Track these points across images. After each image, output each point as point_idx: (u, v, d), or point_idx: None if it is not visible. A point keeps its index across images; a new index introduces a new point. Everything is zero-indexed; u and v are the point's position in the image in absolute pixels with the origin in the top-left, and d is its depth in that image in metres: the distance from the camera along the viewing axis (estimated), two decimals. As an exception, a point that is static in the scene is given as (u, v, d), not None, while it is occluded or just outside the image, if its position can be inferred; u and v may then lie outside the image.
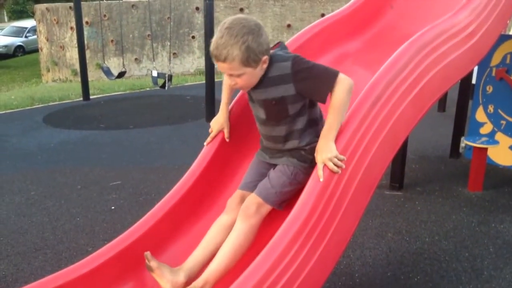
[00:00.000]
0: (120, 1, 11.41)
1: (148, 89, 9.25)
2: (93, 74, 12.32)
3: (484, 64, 4.71)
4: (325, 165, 1.91)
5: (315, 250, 1.90)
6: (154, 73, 7.66)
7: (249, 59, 1.87)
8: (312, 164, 2.03)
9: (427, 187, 4.27)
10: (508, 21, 8.42)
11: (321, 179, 1.89)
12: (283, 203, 2.07)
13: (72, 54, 13.18)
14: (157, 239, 2.21)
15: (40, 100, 8.42)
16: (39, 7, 14.55)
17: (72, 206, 3.97)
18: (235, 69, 1.90)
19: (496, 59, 4.67)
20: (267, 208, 2.01)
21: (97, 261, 2.08)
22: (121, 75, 8.33)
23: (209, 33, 6.34)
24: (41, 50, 14.95)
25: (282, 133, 2.05)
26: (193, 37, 12.89)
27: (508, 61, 4.61)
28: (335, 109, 1.92)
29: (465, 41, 2.51)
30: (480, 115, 4.80)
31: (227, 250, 1.94)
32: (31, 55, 21.75)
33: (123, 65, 8.85)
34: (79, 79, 9.25)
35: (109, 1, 14.40)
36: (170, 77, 7.45)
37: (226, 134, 2.33)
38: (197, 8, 12.48)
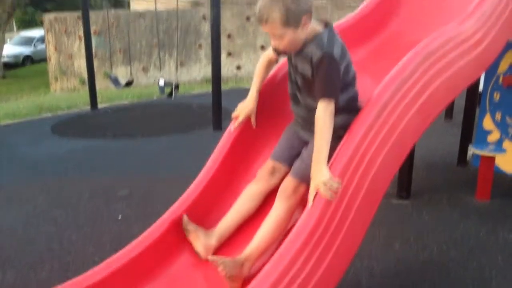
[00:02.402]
0: (128, 10, 11.50)
1: (155, 97, 9.28)
2: (101, 83, 12.39)
3: (491, 71, 4.69)
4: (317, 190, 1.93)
5: (322, 261, 1.90)
6: (161, 82, 7.71)
7: (289, 20, 1.97)
8: (341, 138, 2.08)
9: (434, 195, 4.24)
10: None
11: (309, 205, 1.92)
12: None
13: (80, 63, 13.29)
14: (164, 249, 2.21)
15: (48, 109, 8.47)
16: (48, 17, 14.68)
17: (80, 216, 3.98)
18: (277, 29, 2.00)
19: (503, 66, 4.64)
20: (304, 188, 2.09)
21: (105, 271, 2.08)
22: (128, 84, 8.39)
23: (215, 42, 6.37)
24: (49, 60, 15.07)
25: (314, 104, 2.06)
26: (200, 45, 12.96)
27: (515, 68, 4.59)
28: (322, 133, 1.97)
29: (471, 50, 2.51)
30: (488, 123, 4.77)
31: (267, 228, 2.04)
32: (39, 65, 21.94)
33: (131, 73, 8.91)
34: (87, 88, 9.30)
35: (117, 10, 14.53)
36: (177, 86, 7.50)
37: (253, 121, 2.41)
38: (204, 17, 12.56)
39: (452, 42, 2.43)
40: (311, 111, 2.06)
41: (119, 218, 3.90)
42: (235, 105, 2.44)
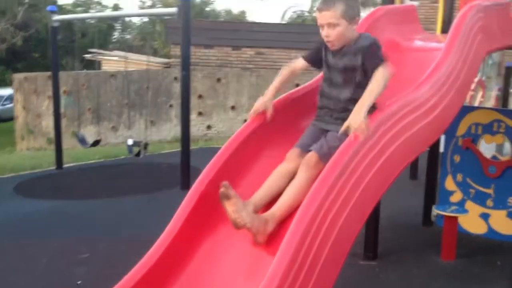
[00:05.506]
0: (99, 71, 11.59)
1: (123, 157, 9.19)
2: (69, 142, 12.24)
3: (450, 134, 4.87)
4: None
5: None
6: (130, 142, 7.65)
7: (348, 13, 2.36)
8: None
9: (401, 256, 4.25)
10: (472, 92, 8.70)
11: (340, 132, 2.28)
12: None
13: (48, 123, 13.16)
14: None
15: (11, 170, 8.27)
16: (18, 76, 14.66)
17: (38, 280, 3.81)
18: (335, 17, 2.36)
19: (461, 129, 4.84)
20: (322, 166, 2.24)
21: None
22: (96, 143, 8.31)
23: (185, 102, 6.46)
24: (17, 119, 14.89)
25: (347, 95, 2.43)
26: (171, 105, 13.06)
27: (473, 131, 4.78)
28: (373, 89, 2.30)
29: (427, 114, 2.61)
30: (450, 184, 4.89)
31: (291, 192, 2.27)
32: (6, 124, 21.56)
33: (99, 133, 8.85)
34: (53, 147, 9.18)
35: (88, 71, 14.65)
36: (146, 145, 7.44)
37: (268, 115, 2.57)
38: (175, 78, 12.75)
39: (409, 106, 2.53)
40: (341, 102, 2.45)
41: (78, 283, 3.74)
42: (204, 164, 2.46)
